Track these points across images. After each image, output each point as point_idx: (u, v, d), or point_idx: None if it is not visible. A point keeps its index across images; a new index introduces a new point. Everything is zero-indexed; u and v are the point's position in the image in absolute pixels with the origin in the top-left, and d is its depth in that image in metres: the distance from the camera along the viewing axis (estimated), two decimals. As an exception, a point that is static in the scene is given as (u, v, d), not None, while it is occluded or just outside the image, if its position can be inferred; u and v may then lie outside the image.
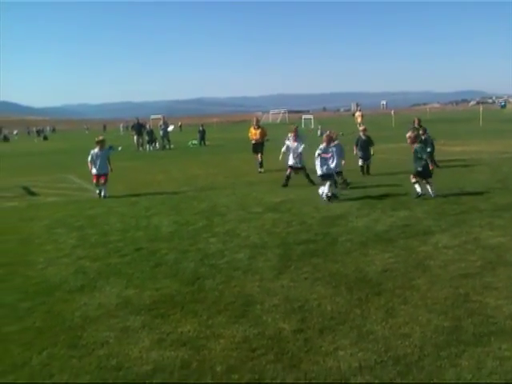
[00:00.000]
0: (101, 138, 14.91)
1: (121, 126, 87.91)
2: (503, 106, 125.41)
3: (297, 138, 15.08)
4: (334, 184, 12.19)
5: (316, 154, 12.35)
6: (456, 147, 24.34)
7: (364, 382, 4.06)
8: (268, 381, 4.17)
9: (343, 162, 13.94)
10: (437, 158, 18.33)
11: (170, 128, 39.21)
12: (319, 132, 44.63)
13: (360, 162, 16.11)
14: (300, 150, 14.65)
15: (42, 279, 7.09)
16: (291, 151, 14.71)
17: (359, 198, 12.14)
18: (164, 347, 4.82)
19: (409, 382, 4.02)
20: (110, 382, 4.29)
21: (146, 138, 35.44)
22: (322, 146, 12.44)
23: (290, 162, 14.75)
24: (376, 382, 4.05)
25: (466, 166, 17.27)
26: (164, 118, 38.91)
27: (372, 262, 7.09)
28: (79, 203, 13.54)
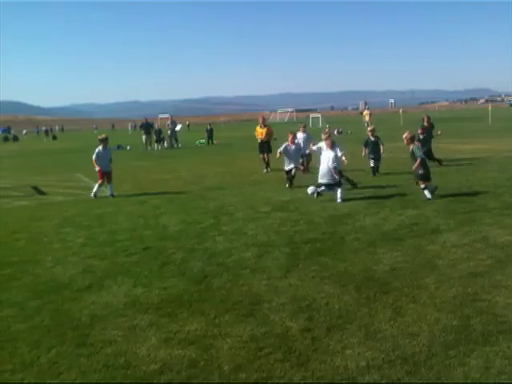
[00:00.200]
0: (104, 136, 14.94)
1: (129, 125, 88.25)
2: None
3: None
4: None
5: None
6: (465, 145, 24.22)
7: (372, 381, 4.05)
8: (275, 380, 4.16)
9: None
10: (445, 156, 18.27)
11: (178, 127, 39.29)
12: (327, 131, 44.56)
13: (371, 163, 16.02)
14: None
15: (51, 278, 7.13)
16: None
17: (367, 196, 12.11)
18: (171, 346, 4.83)
19: (417, 382, 4.00)
20: (118, 380, 4.30)
21: (155, 137, 35.53)
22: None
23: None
24: (384, 381, 4.04)
25: (474, 164, 17.16)
26: (172, 117, 38.97)
27: (380, 261, 7.07)
28: (88, 202, 13.60)
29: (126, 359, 4.63)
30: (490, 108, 52.34)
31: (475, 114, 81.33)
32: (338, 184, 11.95)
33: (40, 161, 30.51)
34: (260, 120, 19.51)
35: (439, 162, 17.03)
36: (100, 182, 14.25)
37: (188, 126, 78.84)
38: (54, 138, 71.83)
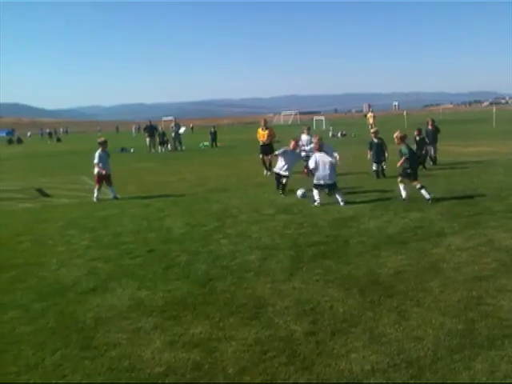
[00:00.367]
0: (103, 139, 15.00)
1: (133, 127, 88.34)
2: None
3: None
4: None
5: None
6: (469, 148, 24.16)
7: (376, 385, 4.04)
8: (280, 383, 4.16)
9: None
10: (449, 159, 18.24)
11: (182, 130, 39.33)
12: (331, 133, 44.63)
13: (374, 167, 15.97)
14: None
15: (55, 280, 7.15)
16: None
17: (371, 199, 12.09)
18: (176, 349, 4.83)
19: (422, 386, 3.99)
20: (123, 383, 4.31)
21: (158, 139, 35.59)
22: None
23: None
24: (388, 385, 4.03)
25: (479, 167, 17.13)
26: (175, 119, 39.01)
27: (384, 264, 7.05)
28: (92, 204, 13.62)
29: (131, 362, 4.63)
30: (494, 110, 52.21)
31: (479, 116, 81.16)
32: (335, 185, 12.03)
33: (44, 163, 30.58)
34: (262, 122, 19.51)
35: (424, 166, 16.82)
36: (97, 186, 14.25)
37: (192, 128, 78.90)
38: (59, 140, 72.02)
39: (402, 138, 11.94)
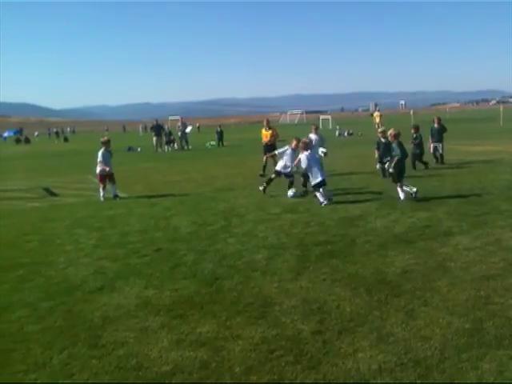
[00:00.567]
0: (106, 138, 15.04)
1: (140, 127, 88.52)
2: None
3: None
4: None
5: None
6: (476, 147, 24.04)
7: (384, 384, 4.03)
8: (287, 382, 4.16)
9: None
10: (457, 158, 18.16)
11: (188, 129, 39.38)
12: (337, 132, 44.55)
13: (378, 166, 15.93)
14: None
15: (63, 279, 7.18)
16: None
17: (378, 198, 12.06)
18: (183, 348, 4.84)
19: (429, 385, 3.98)
20: (130, 381, 4.32)
21: (165, 139, 35.66)
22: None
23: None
24: (396, 384, 4.02)
25: (486, 166, 17.04)
26: (182, 119, 39.07)
27: (391, 264, 7.04)
28: (99, 204, 13.68)
29: (138, 361, 4.65)
30: (501, 109, 51.96)
31: (486, 115, 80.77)
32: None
33: (51, 162, 30.71)
34: (264, 122, 19.43)
35: (425, 165, 16.92)
36: (102, 185, 14.32)
37: (198, 128, 78.99)
38: (66, 139, 72.33)
39: (396, 136, 11.91)
